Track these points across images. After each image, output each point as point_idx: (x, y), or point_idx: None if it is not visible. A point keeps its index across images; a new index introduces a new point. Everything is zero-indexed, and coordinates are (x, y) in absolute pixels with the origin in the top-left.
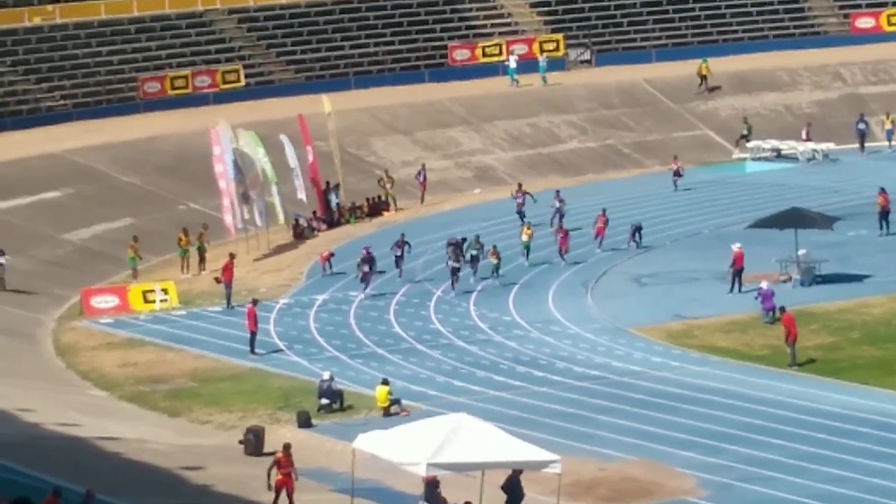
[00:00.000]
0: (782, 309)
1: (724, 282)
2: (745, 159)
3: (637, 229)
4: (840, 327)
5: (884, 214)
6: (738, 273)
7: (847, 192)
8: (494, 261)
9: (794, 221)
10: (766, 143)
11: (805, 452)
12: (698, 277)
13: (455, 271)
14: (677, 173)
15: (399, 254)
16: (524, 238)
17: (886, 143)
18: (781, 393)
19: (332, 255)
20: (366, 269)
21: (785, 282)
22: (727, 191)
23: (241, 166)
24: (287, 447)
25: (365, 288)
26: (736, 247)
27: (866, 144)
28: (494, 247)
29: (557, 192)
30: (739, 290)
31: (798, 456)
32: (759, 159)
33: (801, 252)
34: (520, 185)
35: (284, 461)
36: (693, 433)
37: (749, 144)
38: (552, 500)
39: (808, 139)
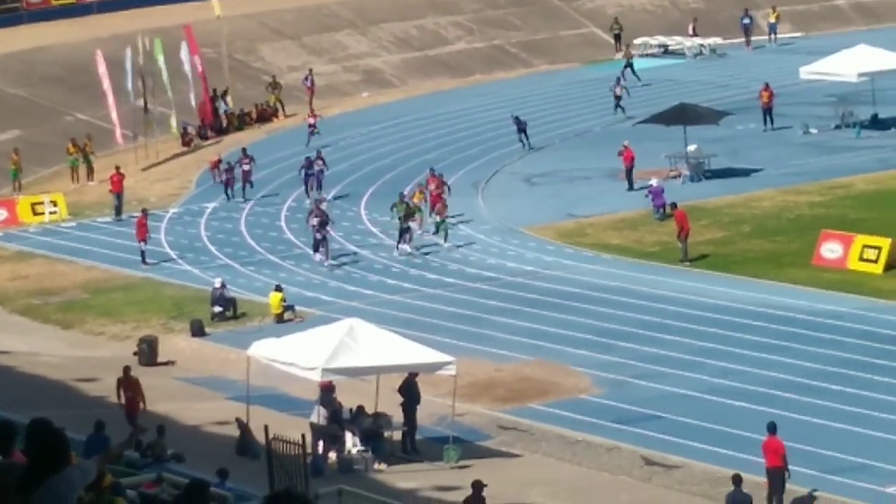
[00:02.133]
0: (673, 205)
1: (615, 179)
2: (632, 56)
3: (519, 122)
4: (730, 222)
5: (767, 110)
6: (628, 170)
7: (735, 87)
8: (438, 218)
9: (682, 117)
10: (653, 39)
11: (698, 347)
12: (589, 176)
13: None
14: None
15: (311, 172)
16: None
17: (769, 37)
18: (674, 289)
19: (220, 161)
20: (318, 235)
21: (675, 178)
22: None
23: (142, 75)
24: (126, 369)
25: (325, 258)
26: (625, 144)
27: (752, 38)
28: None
29: None
30: (631, 188)
31: (691, 351)
32: (646, 56)
33: (690, 148)
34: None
35: (126, 383)
36: (587, 331)
37: (637, 41)
38: (448, 401)
39: (695, 35)
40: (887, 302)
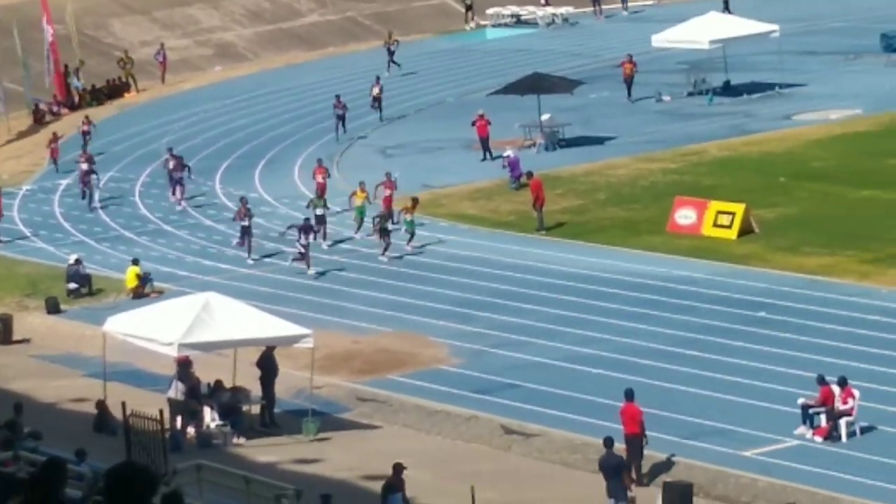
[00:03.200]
0: (529, 174)
1: (470, 150)
2: (483, 26)
3: (375, 99)
4: (586, 190)
5: (629, 81)
6: (484, 141)
7: (587, 56)
8: (407, 217)
9: (535, 86)
10: (506, 9)
11: (555, 316)
12: (444, 146)
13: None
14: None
15: (179, 177)
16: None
17: (621, 5)
18: (530, 258)
19: (57, 138)
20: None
21: (529, 147)
22: (469, 58)
23: None
24: None
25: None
26: (479, 114)
27: (603, 7)
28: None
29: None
30: (491, 158)
31: (548, 319)
32: (499, 26)
33: (544, 117)
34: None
35: None
36: (444, 302)
37: (489, 11)
38: (306, 374)
39: (547, 4)
40: (741, 267)
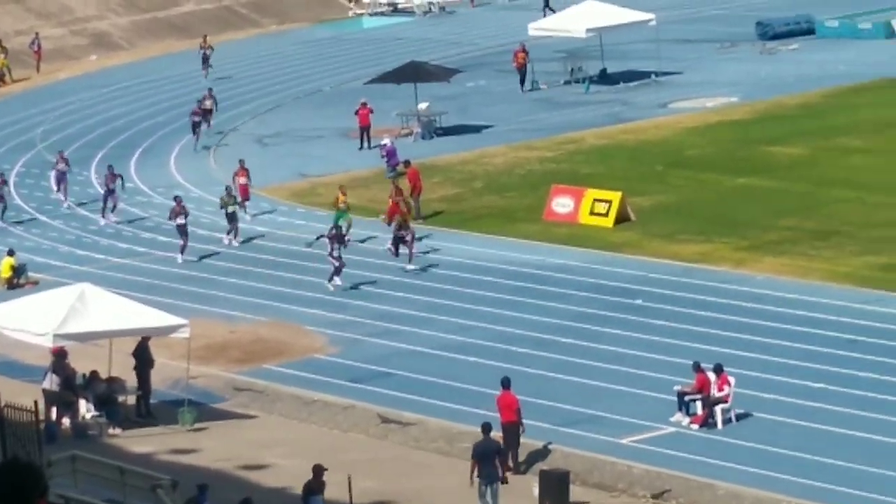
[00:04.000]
0: (406, 163)
1: (348, 138)
2: (361, 15)
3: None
4: (463, 178)
5: (522, 71)
6: (364, 130)
7: (464, 44)
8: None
9: (412, 75)
10: None
11: (431, 304)
12: (321, 135)
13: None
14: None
15: (108, 189)
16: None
17: None
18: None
19: None
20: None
21: (407, 135)
22: (346, 47)
23: None
24: None
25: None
26: (362, 102)
27: None
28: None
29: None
30: (369, 146)
31: (425, 308)
32: (376, 14)
33: (421, 105)
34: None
35: None
36: (321, 291)
37: (366, 0)
38: (183, 364)
39: None
40: (618, 255)
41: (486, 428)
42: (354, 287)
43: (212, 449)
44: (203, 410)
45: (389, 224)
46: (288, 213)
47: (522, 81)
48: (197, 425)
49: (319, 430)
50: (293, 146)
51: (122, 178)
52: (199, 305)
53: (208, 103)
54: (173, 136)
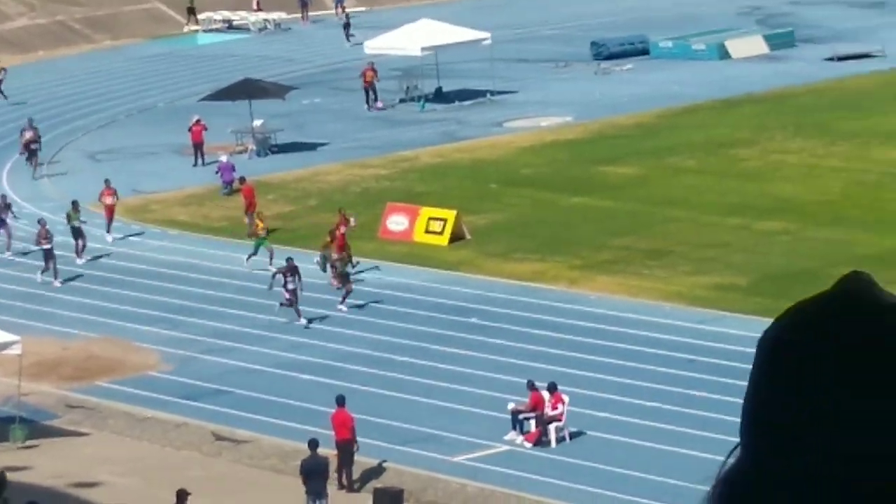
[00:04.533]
0: (242, 179)
1: (182, 155)
2: (196, 31)
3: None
4: (297, 196)
5: (370, 88)
6: (198, 146)
7: (299, 61)
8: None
9: (247, 92)
10: (217, 14)
11: (266, 322)
12: (155, 151)
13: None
14: None
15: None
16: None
17: (338, 11)
18: (241, 264)
19: None
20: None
21: (241, 153)
22: (180, 63)
23: None
24: None
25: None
26: (195, 119)
27: (317, 13)
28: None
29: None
30: (203, 163)
31: (260, 325)
32: (210, 31)
33: (256, 122)
34: None
35: None
36: (155, 308)
37: (201, 17)
38: (14, 381)
39: (259, 9)
40: (453, 273)
41: (313, 444)
42: (187, 305)
43: (43, 466)
44: (34, 428)
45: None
46: (121, 230)
47: (369, 100)
48: (28, 442)
49: (152, 448)
50: (126, 162)
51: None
52: (31, 322)
53: (28, 134)
54: (5, 152)
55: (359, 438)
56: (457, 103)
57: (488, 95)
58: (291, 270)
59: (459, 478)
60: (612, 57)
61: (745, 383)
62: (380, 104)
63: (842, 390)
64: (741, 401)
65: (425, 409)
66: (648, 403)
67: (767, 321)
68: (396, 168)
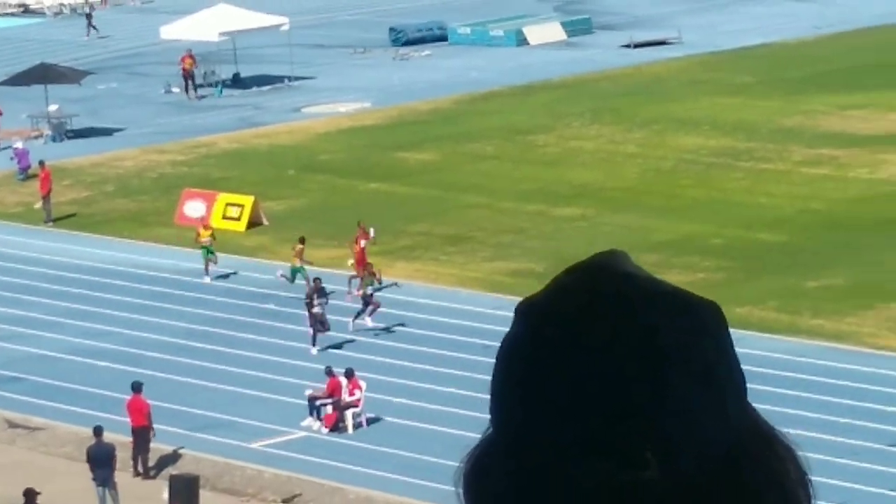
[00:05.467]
0: (41, 163)
1: None
2: None
3: None
4: (94, 181)
5: (189, 76)
6: None
7: (96, 46)
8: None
9: (42, 77)
10: None
11: (61, 308)
12: None
13: None
14: None
15: None
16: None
17: None
18: (37, 250)
19: None
20: None
21: (37, 138)
22: None
23: None
24: None
25: None
26: None
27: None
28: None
29: None
30: None
31: (55, 312)
32: (5, 15)
33: (51, 108)
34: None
35: None
36: None
37: None
38: None
39: None
40: (251, 259)
41: (98, 431)
42: None
43: None
44: None
45: (361, 276)
46: None
47: (188, 88)
48: None
49: None
50: None
51: None
52: None
53: None
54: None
55: (155, 425)
56: (255, 89)
57: (286, 81)
58: (319, 292)
59: (256, 464)
60: (410, 43)
61: None
62: (175, 89)
63: (575, 379)
64: None
65: (222, 396)
66: (445, 389)
67: None
68: (194, 154)
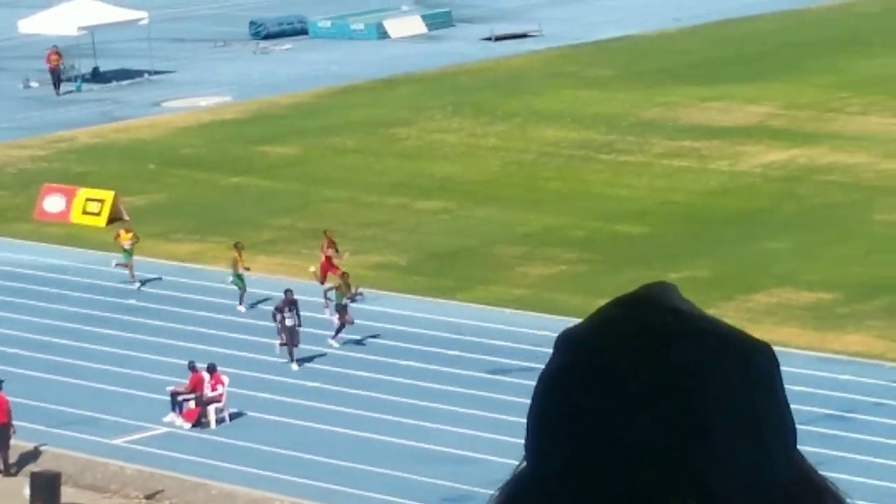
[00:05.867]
0: None
1: None
2: None
3: None
4: None
5: (55, 73)
6: None
7: None
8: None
9: None
10: None
11: None
12: None
13: None
14: None
15: None
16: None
17: None
18: None
19: None
20: None
21: None
22: None
23: None
24: None
25: None
26: None
27: None
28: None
29: None
30: None
31: None
32: None
33: None
34: None
35: None
36: None
37: None
38: None
39: None
40: (111, 255)
41: None
42: None
43: None
44: None
45: (323, 283)
46: None
47: (56, 84)
48: None
49: None
50: None
51: None
52: None
53: None
54: None
55: (15, 422)
56: (114, 83)
57: (146, 75)
58: (290, 304)
59: (118, 460)
60: (270, 36)
61: (403, 361)
62: (34, 84)
63: (620, 418)
64: (395, 378)
65: (83, 392)
66: (308, 384)
67: (428, 300)
68: (54, 149)
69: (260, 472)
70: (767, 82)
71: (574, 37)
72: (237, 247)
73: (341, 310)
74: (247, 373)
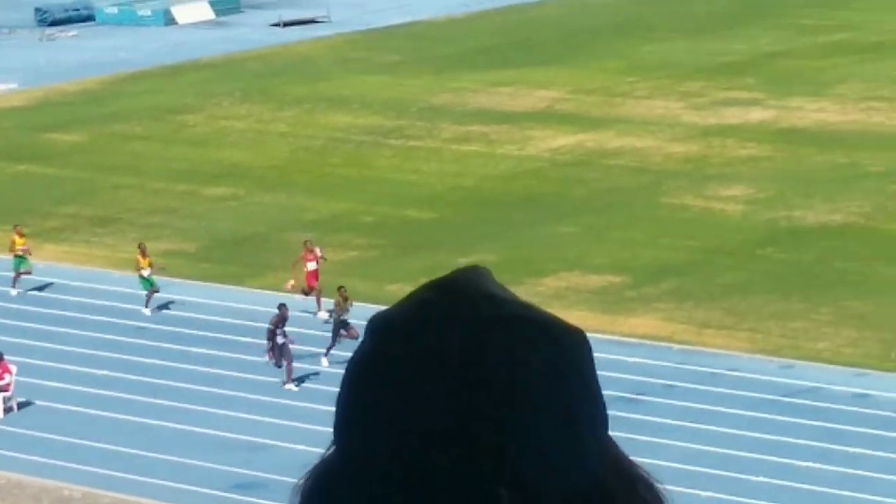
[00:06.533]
0: None
1: None
2: None
3: None
4: None
5: None
6: None
7: None
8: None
9: None
10: None
11: None
12: None
13: None
14: None
15: None
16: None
17: None
18: None
19: None
20: None
21: None
22: None
23: None
24: None
25: None
26: None
27: None
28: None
29: None
30: None
31: None
32: None
33: None
34: None
35: None
36: None
37: None
38: None
39: None
40: None
41: None
42: None
43: None
44: None
45: (307, 294)
46: None
47: None
48: None
49: None
50: None
51: None
52: None
53: None
54: None
55: None
56: None
57: None
58: (282, 321)
59: None
60: (56, 23)
61: (194, 348)
62: None
63: (420, 400)
64: (185, 365)
65: None
66: (98, 371)
67: (218, 286)
68: None
69: (50, 461)
70: (555, 67)
71: (363, 23)
72: (140, 247)
73: (345, 326)
74: (35, 361)
